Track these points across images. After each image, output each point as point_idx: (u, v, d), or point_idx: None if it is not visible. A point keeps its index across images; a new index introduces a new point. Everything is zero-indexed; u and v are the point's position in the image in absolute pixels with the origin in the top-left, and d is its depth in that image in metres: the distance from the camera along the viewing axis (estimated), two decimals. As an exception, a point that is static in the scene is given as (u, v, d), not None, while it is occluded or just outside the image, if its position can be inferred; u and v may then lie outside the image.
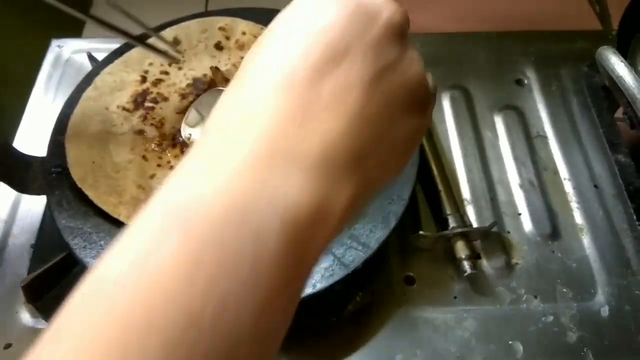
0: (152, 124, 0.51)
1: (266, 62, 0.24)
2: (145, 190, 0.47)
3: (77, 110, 0.52)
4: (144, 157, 0.49)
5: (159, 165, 0.49)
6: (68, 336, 0.18)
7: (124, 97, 0.53)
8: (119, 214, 0.45)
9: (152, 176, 0.48)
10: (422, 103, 0.27)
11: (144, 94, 0.53)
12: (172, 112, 0.52)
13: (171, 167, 0.49)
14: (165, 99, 0.53)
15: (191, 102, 0.52)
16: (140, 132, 0.51)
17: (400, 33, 0.25)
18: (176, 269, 0.18)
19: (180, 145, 0.50)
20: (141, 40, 0.49)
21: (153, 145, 0.50)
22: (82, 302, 0.19)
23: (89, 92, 0.53)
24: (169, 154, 0.50)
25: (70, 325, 0.18)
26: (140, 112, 0.52)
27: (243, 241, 0.18)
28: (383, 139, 0.24)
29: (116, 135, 0.50)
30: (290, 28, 0.25)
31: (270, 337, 0.20)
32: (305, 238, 0.20)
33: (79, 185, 0.47)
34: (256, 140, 0.21)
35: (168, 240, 0.18)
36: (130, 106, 0.52)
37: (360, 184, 0.22)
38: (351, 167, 0.22)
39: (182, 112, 0.52)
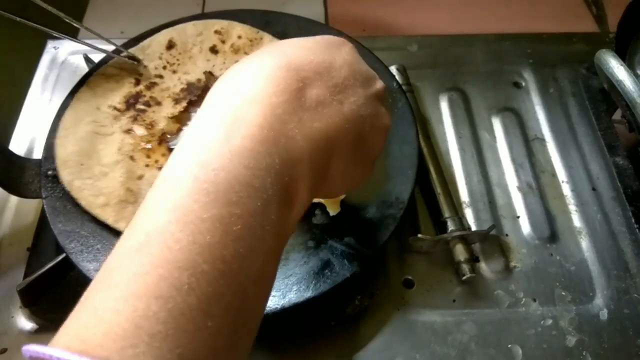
0: (141, 125, 0.51)
1: (282, 62, 0.29)
2: (133, 193, 0.46)
3: (69, 111, 0.51)
4: (131, 157, 0.48)
5: (147, 166, 0.48)
6: (119, 284, 0.21)
7: (116, 98, 0.52)
8: (106, 217, 0.45)
9: (141, 177, 0.47)
10: (372, 161, 0.36)
11: (136, 96, 0.52)
12: (164, 116, 0.51)
13: (159, 167, 0.48)
14: (158, 103, 0.52)
15: (185, 108, 0.52)
16: (129, 131, 0.50)
17: (382, 99, 0.35)
18: (211, 225, 0.22)
19: (168, 147, 0.50)
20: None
21: (141, 143, 0.49)
22: (130, 252, 0.22)
23: (82, 92, 0.52)
24: (157, 152, 0.49)
25: (121, 273, 0.22)
26: (131, 112, 0.51)
27: (256, 213, 0.24)
28: (336, 168, 0.31)
29: (105, 135, 0.50)
30: (311, 53, 0.31)
31: (265, 284, 0.26)
32: (290, 212, 0.27)
33: (67, 188, 0.46)
34: (256, 125, 0.26)
35: (202, 199, 0.23)
36: (121, 106, 0.51)
37: (319, 183, 0.30)
38: (316, 172, 0.29)
39: (174, 117, 0.51)
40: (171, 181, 0.24)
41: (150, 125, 0.51)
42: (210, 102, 0.28)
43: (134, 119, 0.51)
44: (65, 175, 0.47)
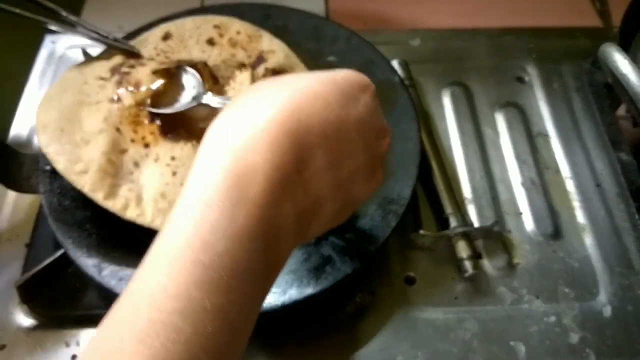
0: (127, 89, 0.48)
1: (283, 133, 0.27)
2: (114, 165, 0.44)
3: (55, 83, 0.50)
4: (117, 129, 0.46)
5: (132, 141, 0.46)
6: None
7: (104, 68, 0.51)
8: (82, 185, 0.43)
9: (124, 151, 0.45)
10: (351, 212, 0.34)
11: (122, 64, 0.51)
12: (148, 74, 0.49)
13: (146, 144, 0.46)
14: (143, 65, 0.50)
15: (167, 68, 0.50)
16: (115, 100, 0.48)
17: (384, 157, 0.34)
18: (213, 315, 0.23)
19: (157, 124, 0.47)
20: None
21: (128, 116, 0.47)
22: (132, 340, 0.22)
23: (70, 70, 0.51)
24: (145, 129, 0.47)
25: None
26: (116, 77, 0.49)
27: (249, 295, 0.25)
28: (315, 227, 0.30)
29: (90, 104, 0.48)
30: (326, 108, 0.29)
31: (246, 343, 0.26)
32: (273, 277, 0.27)
33: (44, 150, 0.44)
34: (258, 205, 0.25)
35: (205, 287, 0.23)
36: (107, 75, 0.50)
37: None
38: (299, 237, 0.29)
39: (158, 72, 0.49)
40: (174, 257, 0.24)
41: (135, 87, 0.48)
42: (213, 152, 0.27)
43: (119, 83, 0.49)
44: (43, 139, 0.45)
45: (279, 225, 0.26)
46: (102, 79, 0.50)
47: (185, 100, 0.48)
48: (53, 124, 0.46)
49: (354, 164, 0.30)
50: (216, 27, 0.55)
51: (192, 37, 0.55)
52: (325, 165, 0.28)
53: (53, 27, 0.49)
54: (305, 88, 0.29)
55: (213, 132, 0.28)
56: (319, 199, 0.29)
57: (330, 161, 0.28)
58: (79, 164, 0.44)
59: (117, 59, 0.52)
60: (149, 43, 0.54)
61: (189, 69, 0.50)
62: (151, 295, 0.23)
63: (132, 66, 0.50)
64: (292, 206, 0.27)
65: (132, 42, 0.54)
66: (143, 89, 0.48)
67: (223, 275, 0.23)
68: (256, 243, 0.25)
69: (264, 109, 0.27)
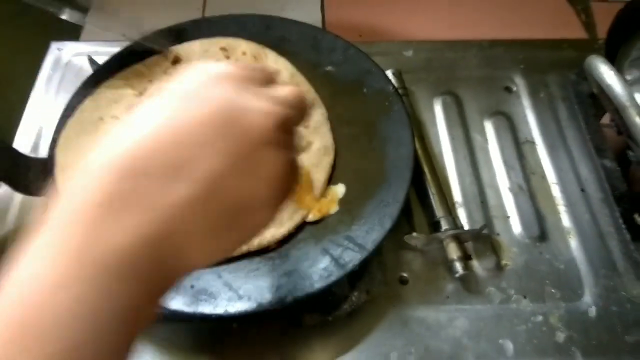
0: None
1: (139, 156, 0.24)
2: None
3: (71, 121, 0.52)
4: None
5: None
6: None
7: (120, 108, 0.53)
8: None
9: None
10: (259, 226, 0.28)
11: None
12: None
13: None
14: None
15: None
16: None
17: (282, 134, 0.27)
18: None
19: None
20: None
21: None
22: None
23: (86, 103, 0.53)
24: None
25: None
26: None
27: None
28: (191, 255, 0.25)
29: None
30: (161, 123, 0.26)
31: None
32: (135, 327, 0.23)
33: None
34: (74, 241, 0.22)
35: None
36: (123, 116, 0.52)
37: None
38: (158, 274, 0.24)
39: None
40: None
41: None
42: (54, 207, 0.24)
43: None
44: (61, 182, 0.47)
45: (98, 276, 0.22)
46: (118, 119, 0.51)
47: None
48: (71, 167, 0.48)
49: (209, 163, 0.24)
50: (223, 49, 0.57)
51: (199, 60, 0.56)
52: (162, 179, 0.24)
53: (65, 16, 0.50)
54: (137, 116, 0.26)
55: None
56: (170, 218, 0.23)
57: (167, 172, 0.24)
58: None
59: (132, 95, 0.53)
60: (159, 66, 0.56)
61: None
62: None
63: None
64: (117, 239, 0.22)
65: (139, 65, 0.56)
66: None
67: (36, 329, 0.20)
68: (80, 286, 0.21)
69: (91, 160, 0.25)
